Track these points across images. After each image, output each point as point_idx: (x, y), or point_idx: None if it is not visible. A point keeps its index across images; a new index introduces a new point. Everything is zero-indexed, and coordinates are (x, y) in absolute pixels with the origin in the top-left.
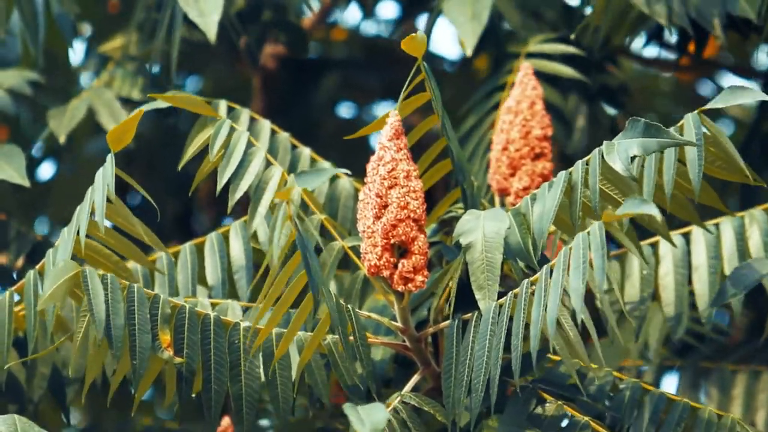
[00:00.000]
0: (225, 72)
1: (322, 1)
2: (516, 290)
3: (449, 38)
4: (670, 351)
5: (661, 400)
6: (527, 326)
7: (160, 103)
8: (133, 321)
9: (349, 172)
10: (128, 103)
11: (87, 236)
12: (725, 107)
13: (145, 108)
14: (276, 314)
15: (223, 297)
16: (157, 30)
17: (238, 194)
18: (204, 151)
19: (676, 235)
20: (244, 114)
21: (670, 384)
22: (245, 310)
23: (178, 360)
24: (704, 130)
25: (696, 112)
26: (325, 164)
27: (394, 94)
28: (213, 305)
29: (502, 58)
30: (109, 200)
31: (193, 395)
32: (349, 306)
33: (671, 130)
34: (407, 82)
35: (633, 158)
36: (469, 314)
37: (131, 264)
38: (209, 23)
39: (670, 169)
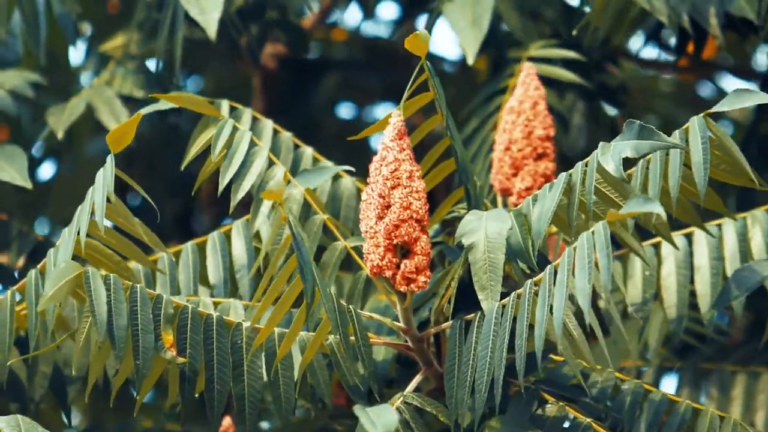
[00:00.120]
0: (225, 71)
1: (322, 2)
2: (519, 291)
3: (449, 38)
4: (670, 351)
5: (663, 402)
6: (531, 327)
7: (163, 104)
8: (136, 321)
9: (352, 169)
10: (129, 101)
11: (88, 236)
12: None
13: (147, 110)
14: (276, 314)
15: (225, 297)
16: (158, 29)
17: (241, 194)
18: (206, 151)
19: (678, 236)
20: (247, 114)
21: (669, 384)
22: (247, 309)
23: (180, 360)
24: (709, 133)
25: (701, 115)
26: (328, 164)
27: (394, 95)
28: (215, 304)
29: (502, 60)
30: (109, 200)
31: (196, 395)
32: (350, 306)
33: (676, 133)
34: (410, 82)
35: (636, 160)
36: (472, 315)
37: (132, 264)
38: (210, 20)
39: (676, 173)
